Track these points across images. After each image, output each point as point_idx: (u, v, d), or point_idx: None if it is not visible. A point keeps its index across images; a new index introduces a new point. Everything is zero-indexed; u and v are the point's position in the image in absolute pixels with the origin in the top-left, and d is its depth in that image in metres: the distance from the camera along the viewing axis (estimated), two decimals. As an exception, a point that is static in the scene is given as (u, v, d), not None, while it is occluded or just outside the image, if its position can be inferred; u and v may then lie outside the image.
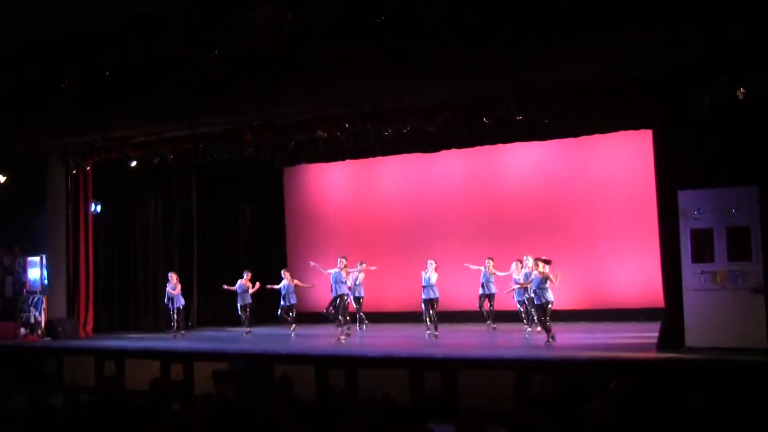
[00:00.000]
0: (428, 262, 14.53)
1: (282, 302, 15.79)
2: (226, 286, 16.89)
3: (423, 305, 14.46)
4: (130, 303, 18.44)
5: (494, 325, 14.97)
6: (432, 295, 14.34)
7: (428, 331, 14.26)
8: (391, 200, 18.63)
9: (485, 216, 17.42)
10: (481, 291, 15.07)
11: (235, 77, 12.54)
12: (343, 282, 14.57)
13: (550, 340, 12.19)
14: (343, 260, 14.70)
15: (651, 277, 13.72)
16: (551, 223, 16.67)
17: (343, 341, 13.92)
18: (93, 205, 17.37)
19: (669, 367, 9.85)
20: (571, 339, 12.56)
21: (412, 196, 18.35)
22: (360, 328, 16.13)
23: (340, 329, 14.25)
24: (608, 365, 10.04)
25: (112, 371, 12.67)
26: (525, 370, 10.24)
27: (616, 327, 14.52)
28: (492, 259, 15.08)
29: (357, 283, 16.09)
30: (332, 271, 14.64)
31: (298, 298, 16.10)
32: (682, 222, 10.86)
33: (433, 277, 14.36)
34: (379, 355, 11.70)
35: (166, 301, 16.58)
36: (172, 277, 16.56)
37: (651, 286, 13.77)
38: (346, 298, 14.67)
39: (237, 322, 16.88)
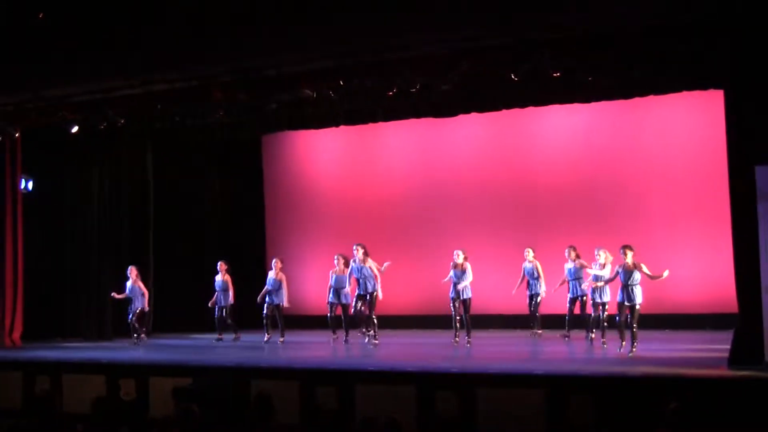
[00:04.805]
0: (456, 252, 14.69)
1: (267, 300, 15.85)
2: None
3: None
4: (69, 303, 18.36)
5: (540, 331, 15.32)
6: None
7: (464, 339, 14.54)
8: (396, 176, 18.60)
9: (512, 197, 17.42)
10: (529, 291, 15.37)
11: (201, 19, 12.45)
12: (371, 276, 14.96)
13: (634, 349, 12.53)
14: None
15: (720, 274, 13.76)
16: (595, 205, 16.69)
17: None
18: (23, 181, 17.30)
19: (743, 388, 9.79)
20: (619, 351, 12.57)
21: (422, 172, 18.32)
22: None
23: (372, 332, 14.79)
24: (665, 384, 10.05)
25: (46, 389, 12.61)
26: (559, 389, 10.26)
27: (676, 336, 14.62)
28: (532, 249, 15.31)
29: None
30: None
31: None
32: (761, 205, 10.76)
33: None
34: (381, 369, 11.76)
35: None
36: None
37: (720, 285, 13.80)
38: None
39: (207, 327, 16.87)
